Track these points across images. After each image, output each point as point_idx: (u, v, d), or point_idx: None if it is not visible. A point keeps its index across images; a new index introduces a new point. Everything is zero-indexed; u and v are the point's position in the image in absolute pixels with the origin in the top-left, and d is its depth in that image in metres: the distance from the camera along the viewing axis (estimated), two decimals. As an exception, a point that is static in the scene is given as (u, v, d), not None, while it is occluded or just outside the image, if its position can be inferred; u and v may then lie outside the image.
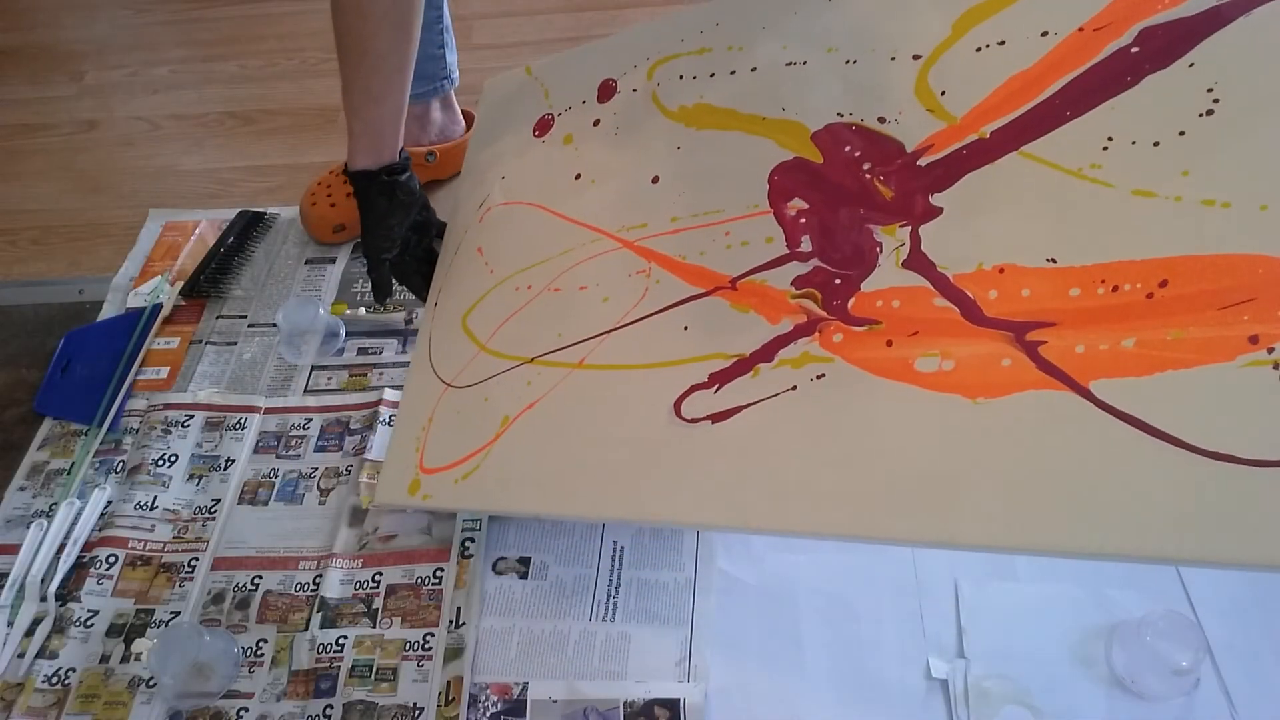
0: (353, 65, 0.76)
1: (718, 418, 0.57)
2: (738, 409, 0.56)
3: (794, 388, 0.54)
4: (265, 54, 1.39)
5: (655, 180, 0.71)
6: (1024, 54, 0.54)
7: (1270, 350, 0.40)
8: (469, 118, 1.13)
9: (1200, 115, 0.46)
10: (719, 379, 0.58)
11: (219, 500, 0.83)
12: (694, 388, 0.59)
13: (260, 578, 0.78)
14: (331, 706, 0.69)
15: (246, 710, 0.70)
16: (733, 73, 0.70)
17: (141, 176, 1.21)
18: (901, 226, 0.55)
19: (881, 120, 0.59)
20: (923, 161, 0.56)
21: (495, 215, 0.84)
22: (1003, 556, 0.72)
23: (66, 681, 0.72)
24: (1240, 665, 0.65)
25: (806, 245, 0.59)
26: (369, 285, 1.00)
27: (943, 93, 0.57)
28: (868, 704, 0.66)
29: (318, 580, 0.77)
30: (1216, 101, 0.46)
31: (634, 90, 0.78)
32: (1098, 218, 0.47)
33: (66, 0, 1.56)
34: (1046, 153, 0.50)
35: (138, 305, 1.00)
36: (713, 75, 0.72)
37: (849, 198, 0.59)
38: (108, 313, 1.01)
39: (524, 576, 0.75)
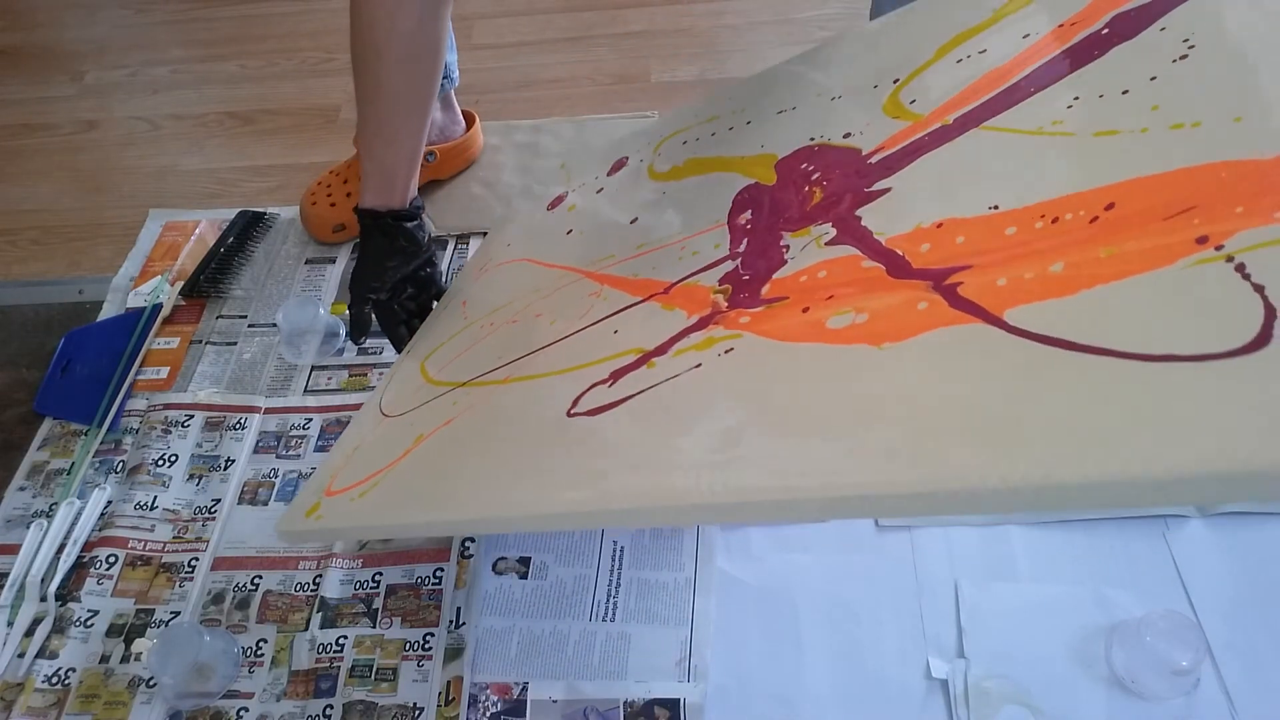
0: (366, 102, 0.75)
1: (600, 410, 0.53)
2: (627, 398, 0.53)
3: (698, 365, 0.51)
4: (265, 54, 1.39)
5: (634, 221, 0.72)
6: (1003, 56, 0.53)
7: (1220, 247, 0.34)
8: (469, 118, 1.13)
9: (1174, 61, 0.43)
10: (618, 374, 0.56)
11: (219, 500, 0.83)
12: (593, 385, 0.57)
13: (260, 578, 0.78)
14: (331, 706, 0.69)
15: (246, 710, 0.70)
16: (731, 129, 0.73)
17: (141, 176, 1.21)
18: (819, 225, 0.54)
19: (846, 135, 0.60)
20: (875, 159, 0.55)
21: (489, 274, 0.84)
22: (1002, 555, 0.72)
23: (66, 681, 0.72)
24: (1240, 665, 0.65)
25: (743, 247, 0.59)
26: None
27: (913, 101, 0.57)
28: (868, 704, 0.66)
29: (318, 580, 0.77)
30: (1191, 48, 0.43)
31: (640, 161, 0.81)
32: (1050, 162, 0.44)
33: (66, 0, 1.56)
34: (1006, 122, 0.48)
35: (138, 305, 1.00)
36: (713, 135, 0.74)
37: (779, 207, 0.59)
38: (108, 313, 1.01)
39: (524, 576, 0.75)
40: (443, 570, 0.76)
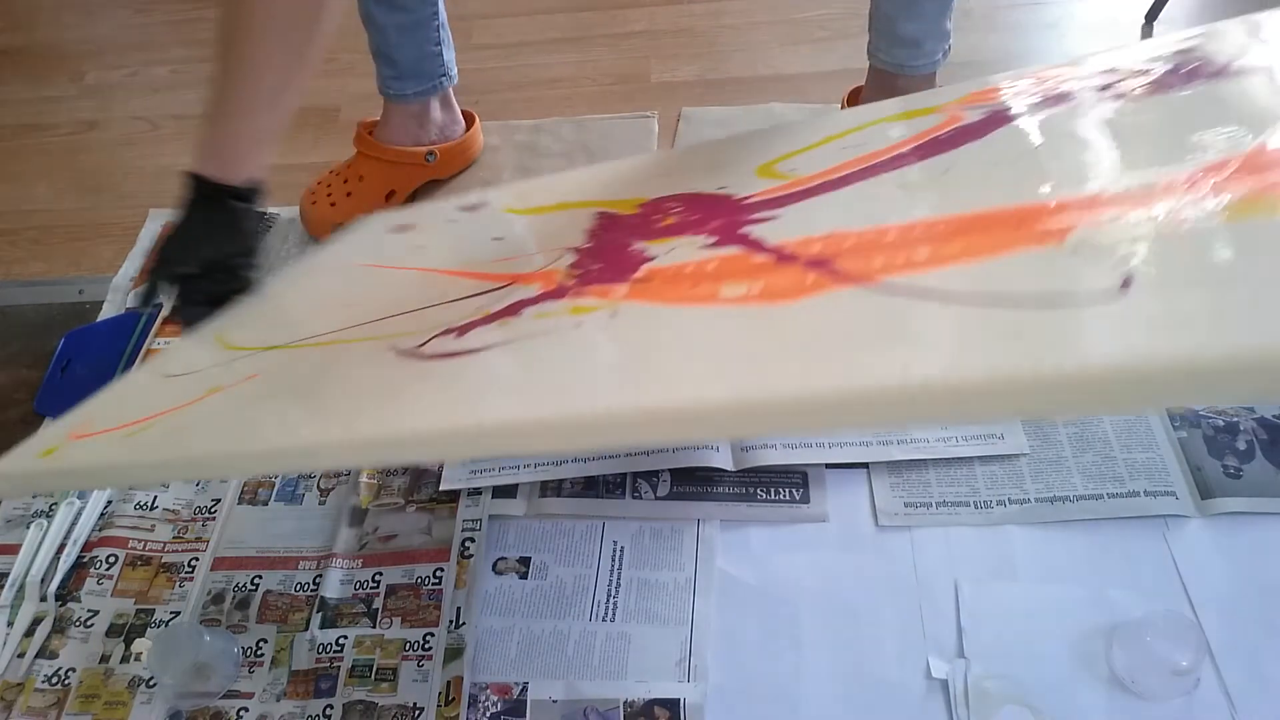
0: (222, 61, 0.67)
1: (455, 355, 0.51)
2: (489, 346, 0.51)
3: (580, 325, 0.51)
4: (265, 54, 1.39)
5: (498, 239, 0.71)
6: (875, 146, 0.61)
7: (1061, 242, 0.41)
8: (469, 118, 1.13)
9: (1034, 148, 0.53)
10: (466, 328, 0.55)
11: (219, 500, 0.83)
12: (437, 335, 0.55)
13: (260, 578, 0.78)
14: (331, 706, 0.69)
15: (246, 710, 0.70)
16: (605, 186, 0.74)
17: (141, 176, 1.21)
18: (688, 236, 0.57)
19: (722, 188, 0.63)
20: (751, 200, 0.59)
21: (312, 272, 0.79)
22: (1002, 555, 0.72)
23: (66, 681, 0.72)
24: (1240, 665, 0.65)
25: (590, 243, 0.62)
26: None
27: (792, 169, 0.63)
28: (868, 704, 0.66)
29: (318, 580, 0.77)
30: (1044, 142, 0.53)
31: (496, 202, 0.79)
32: (936, 201, 0.51)
33: (67, 1, 1.56)
34: (887, 180, 0.56)
35: (138, 305, 1.00)
36: (583, 190, 0.74)
37: (632, 226, 0.62)
38: (108, 313, 1.01)
39: (524, 576, 0.75)
40: (443, 570, 0.76)
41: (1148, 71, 0.58)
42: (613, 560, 0.76)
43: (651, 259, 0.55)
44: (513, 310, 0.55)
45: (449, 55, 1.08)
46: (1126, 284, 0.36)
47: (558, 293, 0.55)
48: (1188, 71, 0.56)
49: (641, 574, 0.75)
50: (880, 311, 0.41)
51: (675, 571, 0.74)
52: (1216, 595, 0.69)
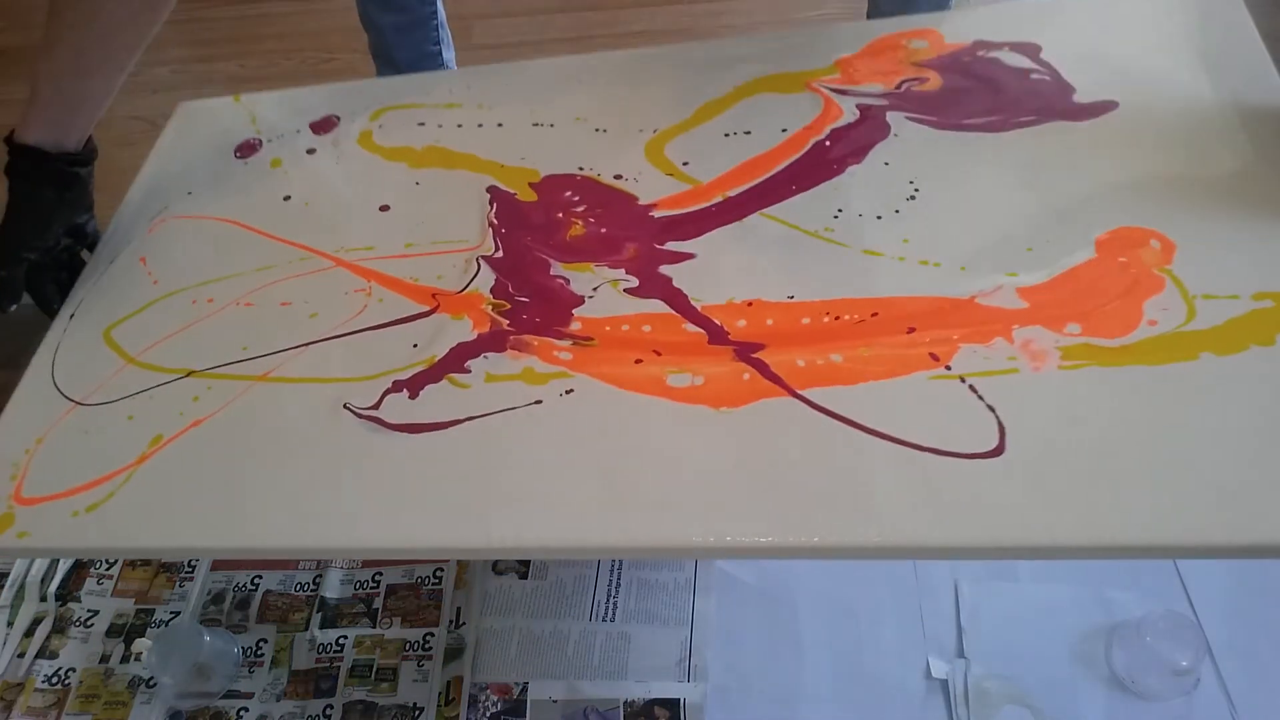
0: (71, 24, 0.64)
1: (418, 429, 0.53)
2: (452, 422, 0.53)
3: (538, 402, 0.53)
4: (265, 54, 1.39)
5: (385, 209, 0.69)
6: (765, 144, 0.64)
7: (949, 367, 0.49)
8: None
9: (907, 199, 0.59)
10: (409, 385, 0.56)
11: (219, 500, 0.83)
12: (386, 392, 0.55)
13: (260, 578, 0.78)
14: (331, 706, 0.69)
15: (246, 710, 0.70)
16: (480, 126, 0.73)
17: (141, 176, 1.21)
18: (606, 267, 0.60)
19: (618, 177, 0.65)
20: (657, 214, 0.62)
21: (171, 227, 0.74)
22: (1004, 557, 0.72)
23: (66, 681, 0.72)
24: (1240, 665, 0.65)
25: (500, 253, 0.63)
26: None
27: (686, 163, 0.65)
28: (868, 704, 0.66)
29: (318, 580, 0.77)
30: (917, 190, 0.59)
31: (353, 124, 0.76)
32: (834, 268, 0.56)
33: (66, 0, 1.56)
34: (785, 216, 0.60)
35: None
36: (459, 126, 0.73)
37: (536, 229, 0.63)
38: (108, 313, 1.01)
39: (524, 576, 0.75)
40: (443, 570, 0.76)
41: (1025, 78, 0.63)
42: (613, 560, 0.76)
43: (581, 301, 0.58)
44: (455, 363, 0.56)
45: (449, 55, 1.08)
46: (999, 449, 0.45)
47: (495, 341, 0.57)
48: (1049, 96, 0.61)
49: (641, 574, 0.75)
50: (815, 439, 0.49)
51: (675, 571, 0.74)
52: (1216, 595, 0.69)
